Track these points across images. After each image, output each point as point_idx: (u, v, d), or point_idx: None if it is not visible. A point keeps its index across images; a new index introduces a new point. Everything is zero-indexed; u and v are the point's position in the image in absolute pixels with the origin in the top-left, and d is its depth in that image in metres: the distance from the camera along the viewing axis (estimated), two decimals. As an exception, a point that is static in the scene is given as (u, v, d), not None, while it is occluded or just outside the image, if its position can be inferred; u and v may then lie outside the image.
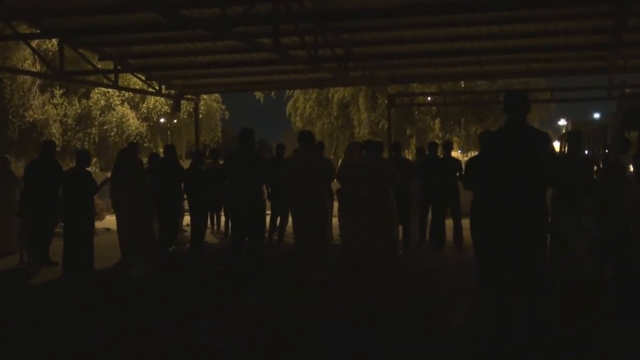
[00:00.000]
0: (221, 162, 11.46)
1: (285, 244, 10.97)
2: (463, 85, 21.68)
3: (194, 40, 11.82)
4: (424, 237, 10.67)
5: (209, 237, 11.59)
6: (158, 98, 19.84)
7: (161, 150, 18.15)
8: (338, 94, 23.84)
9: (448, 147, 11.06)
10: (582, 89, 16.04)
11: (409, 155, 20.77)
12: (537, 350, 4.86)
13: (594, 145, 13.38)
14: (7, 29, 12.82)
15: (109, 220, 12.22)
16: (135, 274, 8.52)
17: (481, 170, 5.46)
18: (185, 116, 21.43)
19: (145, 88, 17.03)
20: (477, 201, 5.47)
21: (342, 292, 7.35)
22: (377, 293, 7.32)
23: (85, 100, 19.78)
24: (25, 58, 17.37)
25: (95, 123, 19.57)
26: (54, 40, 15.63)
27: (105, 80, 14.87)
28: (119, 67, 13.95)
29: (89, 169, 10.12)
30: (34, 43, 15.36)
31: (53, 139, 16.49)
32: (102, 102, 19.71)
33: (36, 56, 16.11)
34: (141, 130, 20.28)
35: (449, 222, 10.47)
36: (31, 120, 18.24)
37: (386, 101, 18.31)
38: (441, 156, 10.92)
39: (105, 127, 19.65)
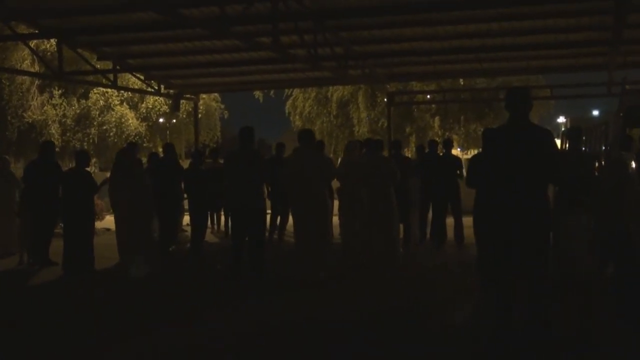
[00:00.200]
0: (221, 161, 11.46)
1: (285, 243, 10.97)
2: (462, 83, 21.66)
3: (193, 40, 11.80)
4: (425, 236, 10.67)
5: (209, 236, 11.58)
6: (157, 98, 19.82)
7: (160, 150, 18.13)
8: (337, 92, 23.83)
9: (448, 144, 11.03)
10: (582, 85, 16.02)
11: (409, 153, 20.77)
12: (537, 350, 4.85)
13: (594, 142, 13.37)
14: (5, 30, 12.81)
15: (109, 221, 12.20)
16: (134, 274, 8.51)
17: (483, 169, 5.46)
18: (184, 116, 21.42)
19: (145, 88, 17.01)
20: (479, 199, 5.47)
21: (342, 292, 7.34)
22: (377, 293, 7.31)
23: (84, 101, 19.77)
24: (23, 58, 17.34)
25: (95, 123, 19.55)
26: (52, 40, 15.60)
27: (104, 80, 14.85)
28: (117, 67, 13.93)
29: (88, 169, 10.11)
30: (32, 43, 15.33)
31: (52, 139, 16.47)
32: (101, 102, 19.69)
33: (35, 56, 16.09)
34: (140, 130, 20.27)
35: (449, 220, 10.46)
36: (30, 121, 18.21)
37: (385, 99, 18.31)
38: (441, 154, 10.91)
39: (105, 127, 19.64)
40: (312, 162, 8.19)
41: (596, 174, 7.83)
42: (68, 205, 8.97)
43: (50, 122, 18.53)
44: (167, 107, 20.40)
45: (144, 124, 20.64)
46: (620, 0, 9.06)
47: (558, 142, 15.57)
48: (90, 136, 19.47)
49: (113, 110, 19.84)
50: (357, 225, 9.22)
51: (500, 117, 21.54)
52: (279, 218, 11.40)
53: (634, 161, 8.85)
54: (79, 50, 12.99)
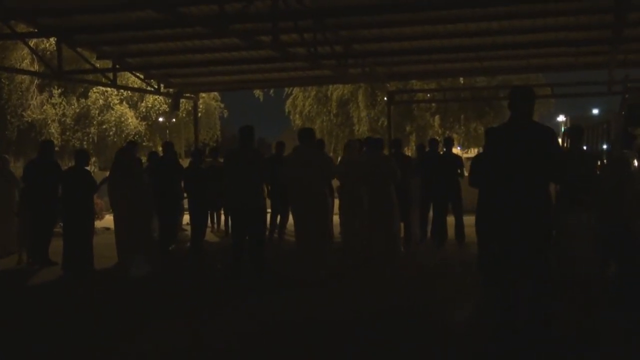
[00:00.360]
0: (221, 160, 11.44)
1: (285, 242, 10.95)
2: (462, 82, 21.66)
3: (193, 38, 11.78)
4: (425, 235, 10.65)
5: (209, 235, 11.57)
6: (157, 97, 19.84)
7: (160, 149, 18.13)
8: (337, 91, 23.84)
9: (449, 143, 11.00)
10: (582, 84, 16.00)
11: (409, 152, 20.77)
12: (537, 350, 4.84)
13: (595, 140, 13.37)
14: (5, 29, 12.79)
15: (109, 220, 12.18)
16: (134, 273, 8.50)
17: (484, 168, 5.44)
18: (184, 115, 21.43)
19: (144, 87, 17.01)
20: (481, 199, 5.46)
21: (342, 292, 7.32)
22: (378, 292, 7.30)
23: (83, 100, 19.78)
24: (23, 58, 17.35)
25: (94, 122, 19.57)
26: (52, 39, 15.60)
27: (103, 79, 14.85)
28: (117, 66, 13.92)
29: (88, 168, 10.10)
30: (32, 42, 15.34)
31: (52, 138, 16.48)
32: (101, 102, 19.71)
33: (34, 56, 16.10)
34: (140, 129, 20.28)
35: (450, 219, 10.44)
36: (30, 120, 18.23)
37: (385, 98, 18.29)
38: (442, 153, 10.89)
39: (104, 127, 19.65)
40: (312, 161, 8.16)
41: (597, 172, 7.81)
42: (67, 204, 8.94)
43: (49, 121, 18.55)
44: (166, 106, 20.41)
45: (144, 123, 20.65)
46: (620, -1, 9.06)
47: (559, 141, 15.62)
48: (90, 135, 19.48)
49: (112, 109, 19.85)
50: (357, 224, 9.20)
51: (501, 115, 21.57)
52: (279, 217, 11.38)
53: (636, 159, 8.84)
54: (79, 49, 12.97)
